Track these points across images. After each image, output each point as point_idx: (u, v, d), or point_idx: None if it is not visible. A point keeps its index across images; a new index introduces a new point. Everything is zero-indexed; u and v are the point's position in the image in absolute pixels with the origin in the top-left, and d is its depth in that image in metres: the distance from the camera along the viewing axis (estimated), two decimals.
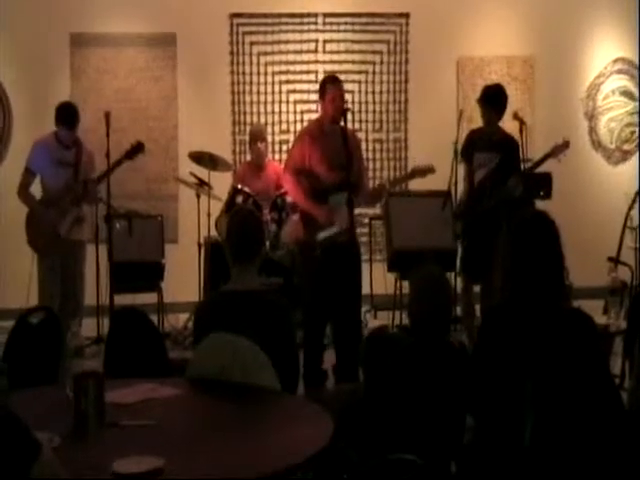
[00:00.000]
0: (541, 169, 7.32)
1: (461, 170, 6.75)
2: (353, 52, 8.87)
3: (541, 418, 2.95)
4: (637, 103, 9.21)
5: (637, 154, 9.20)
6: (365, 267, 5.84)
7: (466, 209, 6.55)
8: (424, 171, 5.76)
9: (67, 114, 6.42)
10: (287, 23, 8.78)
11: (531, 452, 2.95)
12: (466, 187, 6.63)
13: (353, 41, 8.86)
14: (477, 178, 6.49)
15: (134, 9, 8.53)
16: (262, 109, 8.80)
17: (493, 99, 6.51)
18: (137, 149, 6.60)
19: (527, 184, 6.69)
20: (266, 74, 8.80)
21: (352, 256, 5.51)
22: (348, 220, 5.33)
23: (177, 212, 8.59)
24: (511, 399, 3.02)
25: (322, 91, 5.60)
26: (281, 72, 8.81)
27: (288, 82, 8.81)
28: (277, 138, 8.75)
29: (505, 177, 6.32)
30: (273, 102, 8.82)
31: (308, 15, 8.79)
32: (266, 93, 8.81)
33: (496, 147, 6.44)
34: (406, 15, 8.87)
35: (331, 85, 5.59)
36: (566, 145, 6.37)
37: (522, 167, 6.44)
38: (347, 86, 8.31)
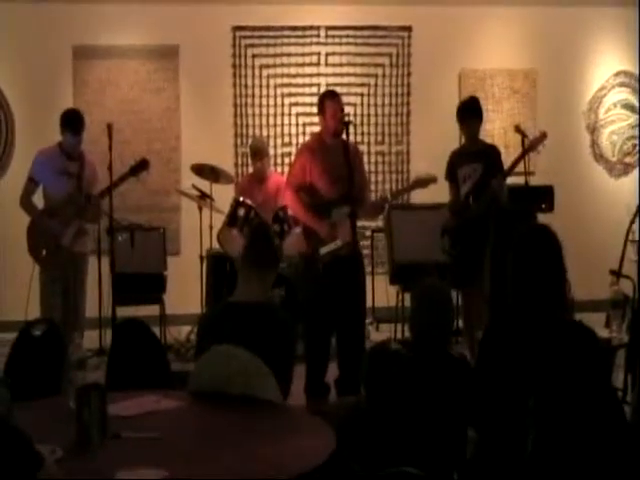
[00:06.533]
0: (543, 182, 7.33)
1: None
2: (355, 65, 8.89)
3: (543, 431, 2.94)
4: (639, 116, 9.22)
5: (639, 167, 9.21)
6: (367, 280, 5.83)
7: (454, 222, 6.47)
8: (426, 181, 5.75)
9: (72, 119, 6.34)
10: (289, 36, 8.80)
11: (533, 465, 2.94)
12: (450, 203, 6.56)
13: (355, 54, 8.87)
14: (464, 191, 6.44)
15: (137, 21, 8.56)
16: (264, 122, 8.82)
17: (472, 112, 6.46)
18: (141, 166, 6.45)
19: (529, 197, 6.69)
20: (268, 87, 8.82)
21: (355, 269, 5.49)
22: (351, 234, 5.32)
23: (179, 224, 8.60)
24: (513, 412, 3.02)
25: (321, 107, 5.60)
26: (283, 85, 8.83)
27: (290, 95, 8.83)
28: (279, 151, 8.76)
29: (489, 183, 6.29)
30: (275, 115, 8.84)
31: (310, 28, 8.82)
32: (268, 106, 8.83)
33: (477, 157, 6.40)
34: (408, 28, 8.90)
35: (330, 100, 5.59)
36: (544, 136, 6.37)
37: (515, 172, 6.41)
38: (349, 99, 8.39)
